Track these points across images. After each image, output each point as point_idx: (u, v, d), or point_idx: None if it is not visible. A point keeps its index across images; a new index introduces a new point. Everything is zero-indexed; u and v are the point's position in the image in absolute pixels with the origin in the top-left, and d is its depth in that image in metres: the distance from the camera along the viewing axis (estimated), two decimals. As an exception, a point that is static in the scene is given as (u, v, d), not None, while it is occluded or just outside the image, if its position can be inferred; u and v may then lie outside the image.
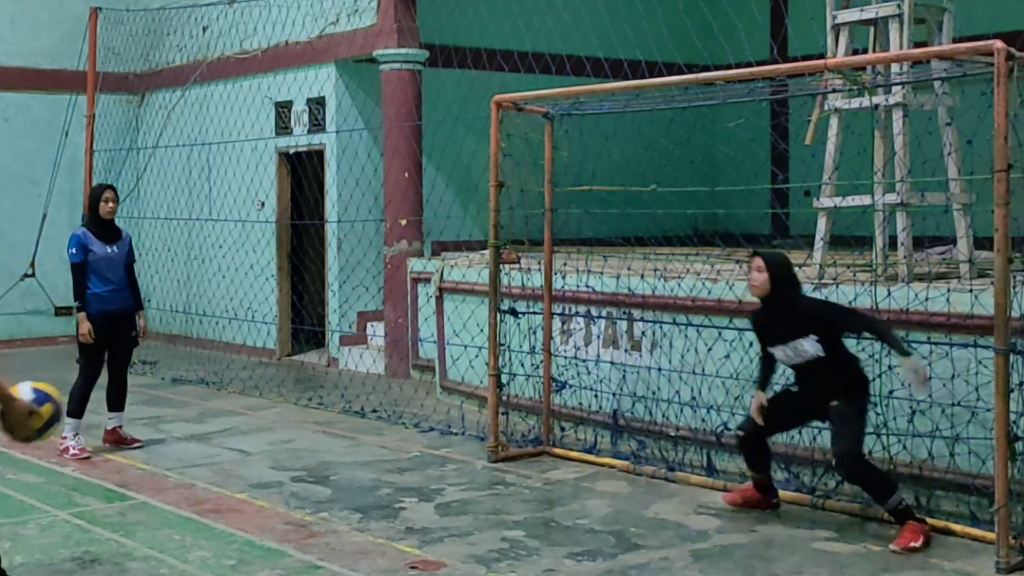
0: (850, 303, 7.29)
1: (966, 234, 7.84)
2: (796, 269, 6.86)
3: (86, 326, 8.75)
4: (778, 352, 6.65)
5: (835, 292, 7.43)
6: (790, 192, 13.33)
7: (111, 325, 8.86)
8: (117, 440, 9.16)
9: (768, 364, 6.90)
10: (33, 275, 15.38)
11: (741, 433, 6.94)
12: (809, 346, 6.47)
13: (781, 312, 6.60)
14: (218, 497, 7.59)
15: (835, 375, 6.50)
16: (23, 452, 8.66)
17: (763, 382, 6.95)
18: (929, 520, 6.46)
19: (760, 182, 12.71)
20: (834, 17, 8.26)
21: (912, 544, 6.15)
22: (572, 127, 9.14)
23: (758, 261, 6.66)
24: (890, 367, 7.03)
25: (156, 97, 16.25)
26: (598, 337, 9.06)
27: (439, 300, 11.09)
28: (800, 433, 7.47)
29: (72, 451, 8.72)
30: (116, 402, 9.17)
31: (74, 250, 8.88)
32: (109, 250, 8.92)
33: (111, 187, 9.10)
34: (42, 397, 4.19)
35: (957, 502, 6.71)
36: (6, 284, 15.34)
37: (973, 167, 7.63)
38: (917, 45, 7.90)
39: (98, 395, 9.71)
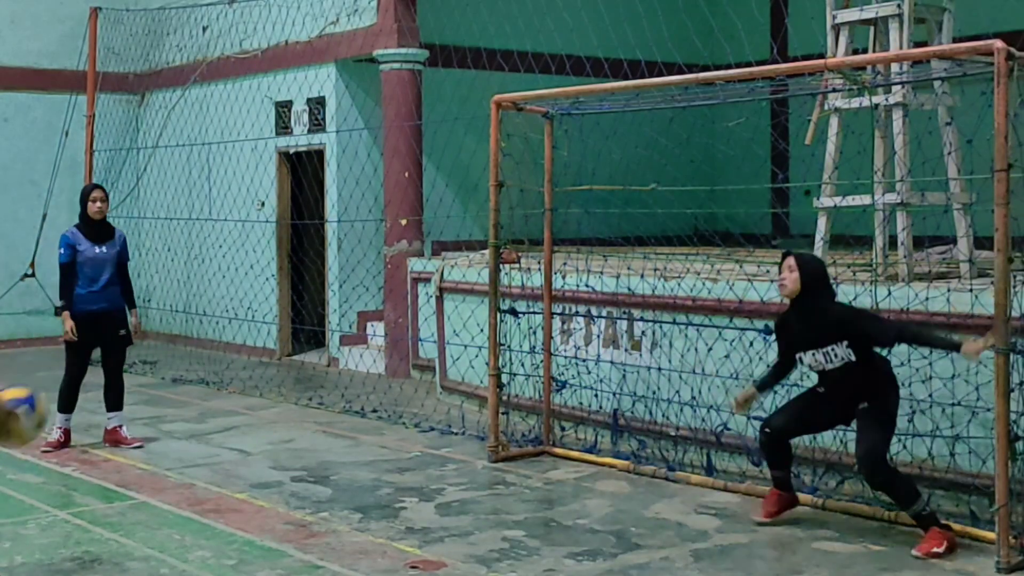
0: (850, 303, 7.29)
1: (966, 234, 7.84)
2: (829, 272, 6.73)
3: (69, 324, 8.90)
4: (807, 357, 6.48)
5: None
6: (790, 192, 13.32)
7: (94, 325, 8.92)
8: (116, 440, 9.17)
9: (783, 369, 6.82)
10: (33, 275, 15.37)
11: (768, 431, 6.72)
12: (842, 352, 6.34)
13: (812, 316, 6.44)
14: (218, 497, 7.59)
15: (864, 379, 6.37)
16: (23, 452, 8.65)
17: (766, 384, 6.91)
18: (929, 520, 6.47)
19: (760, 182, 12.72)
20: (834, 17, 8.25)
21: (934, 550, 6.07)
22: (572, 127, 9.14)
23: (790, 261, 6.50)
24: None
25: (156, 97, 16.25)
26: (598, 337, 9.06)
27: (439, 300, 11.09)
28: (800, 433, 7.48)
29: (49, 439, 8.89)
30: (114, 402, 9.21)
31: (63, 250, 9.03)
32: (98, 250, 9.01)
33: (99, 187, 9.26)
34: (16, 403, 4.22)
35: (957, 502, 6.71)
36: (6, 284, 15.34)
37: (973, 167, 7.63)
38: (917, 45, 7.90)
39: (98, 395, 9.72)
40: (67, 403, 9.03)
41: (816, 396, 6.66)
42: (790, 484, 6.88)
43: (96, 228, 9.07)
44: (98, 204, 9.05)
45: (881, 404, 6.35)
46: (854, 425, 6.48)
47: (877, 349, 6.46)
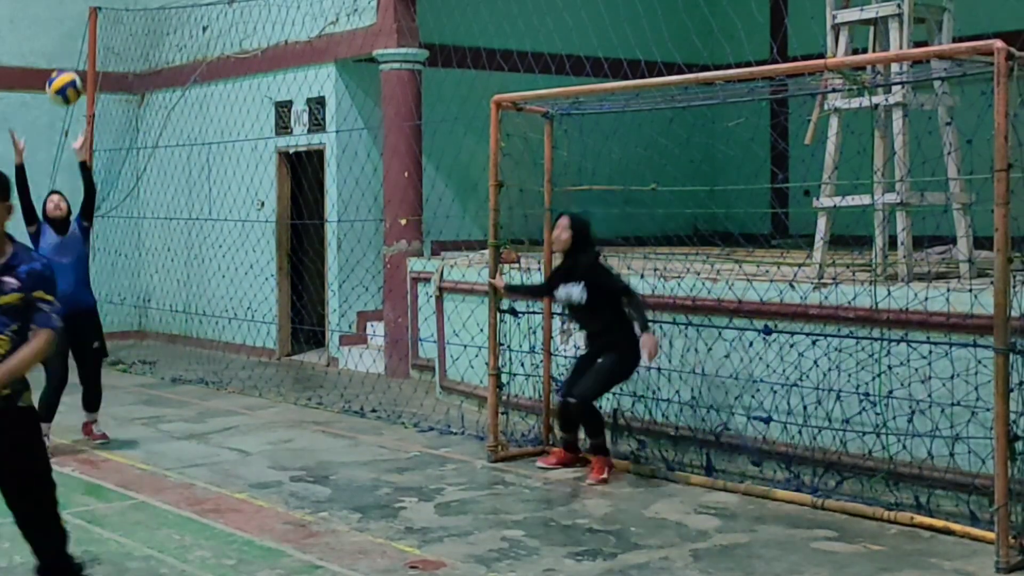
0: (850, 303, 7.30)
1: (966, 234, 7.84)
2: (592, 232, 7.98)
3: None
4: (559, 292, 7.97)
5: (835, 292, 7.43)
6: (790, 192, 13.32)
7: (67, 328, 8.82)
8: (87, 433, 9.31)
9: (540, 288, 8.52)
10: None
11: (569, 399, 7.87)
12: (577, 292, 7.80)
13: (572, 260, 7.93)
14: (218, 497, 7.59)
15: (604, 334, 7.81)
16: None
17: (522, 288, 8.82)
18: (929, 520, 6.48)
19: (760, 182, 12.70)
20: (834, 17, 8.25)
21: (602, 476, 7.72)
22: (572, 127, 9.14)
23: (563, 220, 7.96)
24: (889, 367, 7.04)
25: (156, 97, 16.25)
26: (598, 337, 9.05)
27: (439, 300, 11.09)
28: (800, 433, 7.49)
29: None
30: (91, 405, 9.27)
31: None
32: (59, 239, 9.07)
33: (58, 192, 9.47)
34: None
35: (957, 502, 6.71)
36: (6, 284, 15.32)
37: (973, 167, 7.63)
38: (917, 45, 7.89)
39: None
40: (49, 412, 8.75)
41: (579, 360, 8.10)
42: (576, 446, 8.17)
43: (57, 226, 9.19)
44: (54, 203, 9.22)
45: (608, 362, 7.79)
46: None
47: (617, 314, 7.76)
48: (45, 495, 4.97)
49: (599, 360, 7.84)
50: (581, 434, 8.11)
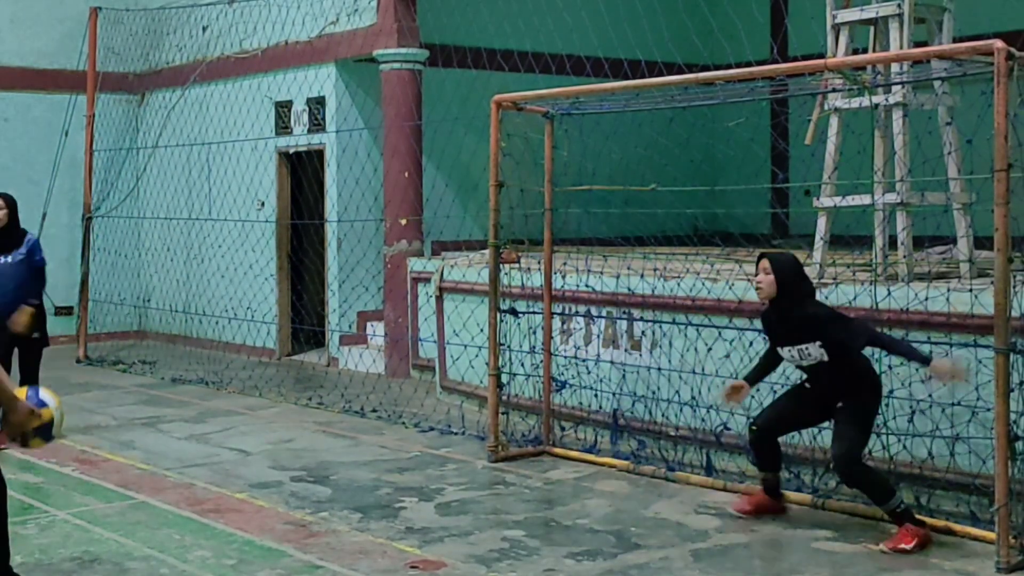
0: (850, 303, 7.30)
1: (966, 234, 7.84)
2: (806, 271, 6.76)
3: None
4: (785, 353, 6.61)
5: (835, 292, 7.43)
6: (790, 192, 13.33)
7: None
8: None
9: (770, 362, 6.90)
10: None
11: (755, 428, 6.82)
12: (815, 351, 6.44)
13: (789, 314, 6.54)
14: (218, 497, 7.59)
15: (843, 377, 6.44)
16: (23, 452, 8.65)
17: (754, 377, 6.97)
18: (929, 520, 6.47)
19: (760, 182, 12.71)
20: (834, 17, 8.25)
21: (902, 546, 6.15)
22: (572, 127, 9.14)
23: (765, 263, 6.57)
24: (890, 367, 7.03)
25: (156, 97, 16.25)
26: (598, 337, 9.06)
27: (439, 300, 11.09)
28: (800, 433, 7.48)
29: None
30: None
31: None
32: (2, 260, 8.90)
33: (4, 195, 9.10)
34: (43, 402, 4.23)
35: (957, 502, 6.71)
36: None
37: (973, 167, 7.63)
38: (917, 45, 7.89)
39: (97, 395, 9.80)
40: None
41: (801, 391, 6.75)
42: (776, 491, 6.95)
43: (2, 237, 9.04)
44: (1, 212, 8.98)
45: (858, 403, 6.41)
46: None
47: (862, 362, 6.52)
48: None
49: (840, 405, 6.47)
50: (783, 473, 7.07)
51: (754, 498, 6.97)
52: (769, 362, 6.90)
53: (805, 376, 6.69)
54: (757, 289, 6.65)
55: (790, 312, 6.53)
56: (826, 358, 6.43)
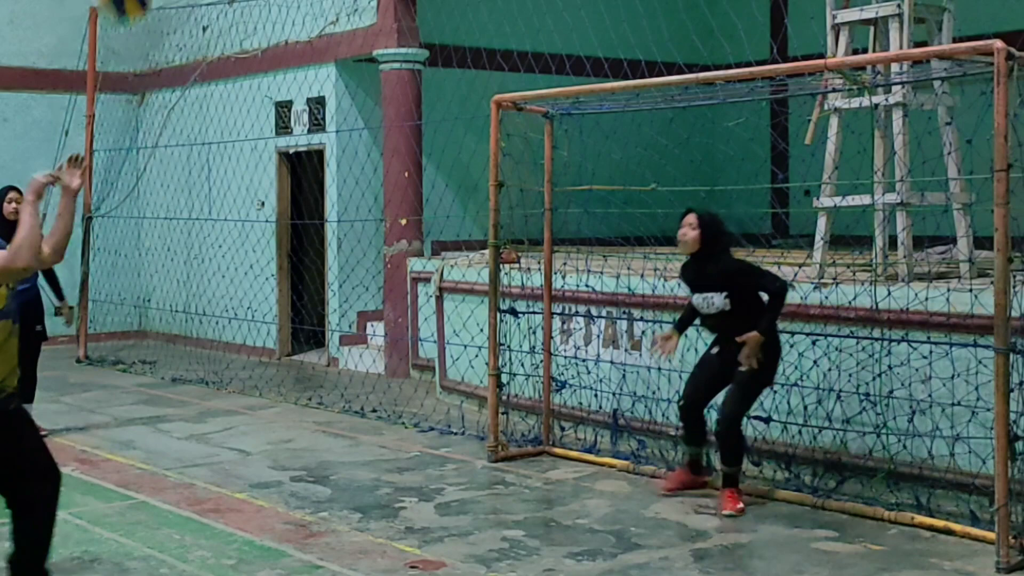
0: (850, 303, 7.30)
1: (966, 234, 7.84)
2: (727, 227, 7.22)
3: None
4: (696, 299, 7.13)
5: (835, 292, 7.43)
6: (790, 192, 13.33)
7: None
8: None
9: (692, 311, 7.33)
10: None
11: (681, 402, 7.30)
12: (719, 301, 6.98)
13: (704, 265, 7.08)
14: (218, 497, 7.59)
15: (743, 331, 6.85)
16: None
17: (680, 326, 7.46)
18: (929, 520, 6.48)
19: (760, 182, 12.71)
20: (834, 17, 8.25)
21: (740, 506, 6.86)
22: (572, 127, 9.14)
23: (691, 218, 7.06)
24: (890, 367, 7.04)
25: (156, 97, 16.25)
26: (598, 337, 9.06)
27: (439, 300, 11.09)
28: (800, 433, 7.48)
29: None
30: (27, 396, 9.22)
31: None
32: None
33: (15, 188, 9.11)
34: None
35: (957, 502, 6.71)
36: (6, 284, 15.32)
37: (973, 167, 7.63)
38: (917, 45, 7.89)
39: (97, 395, 9.77)
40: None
41: (709, 359, 7.27)
42: (700, 466, 7.40)
43: (10, 229, 9.02)
44: (13, 205, 8.95)
45: (752, 371, 6.87)
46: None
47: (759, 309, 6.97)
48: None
49: (741, 369, 6.90)
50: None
51: (676, 475, 7.45)
52: (691, 311, 7.33)
53: (712, 341, 7.23)
54: (682, 242, 7.09)
55: (706, 264, 7.06)
56: (728, 307, 6.95)
